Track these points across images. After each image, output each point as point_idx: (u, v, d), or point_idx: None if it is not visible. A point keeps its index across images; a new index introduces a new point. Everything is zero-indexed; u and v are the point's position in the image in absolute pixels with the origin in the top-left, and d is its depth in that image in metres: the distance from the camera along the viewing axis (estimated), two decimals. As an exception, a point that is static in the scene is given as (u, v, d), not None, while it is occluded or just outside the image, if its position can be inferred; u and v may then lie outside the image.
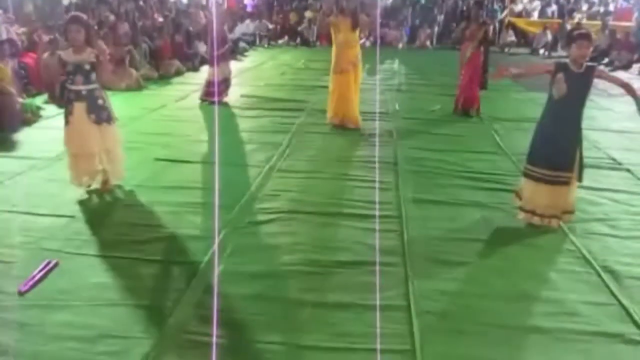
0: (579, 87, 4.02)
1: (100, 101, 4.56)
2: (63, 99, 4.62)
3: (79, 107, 4.48)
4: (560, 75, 4.02)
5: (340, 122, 7.12)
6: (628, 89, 4.07)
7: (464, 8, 19.07)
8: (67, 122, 4.55)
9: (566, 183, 4.15)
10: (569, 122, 4.09)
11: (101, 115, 4.56)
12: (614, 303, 3.31)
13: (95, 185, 4.73)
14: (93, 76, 4.51)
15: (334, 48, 7.02)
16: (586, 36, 4.02)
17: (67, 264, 3.59)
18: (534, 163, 4.22)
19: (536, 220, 4.26)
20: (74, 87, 4.47)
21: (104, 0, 15.13)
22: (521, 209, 4.34)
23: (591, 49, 4.13)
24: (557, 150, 4.11)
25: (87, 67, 4.44)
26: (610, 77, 4.22)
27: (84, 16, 4.72)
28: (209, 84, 8.43)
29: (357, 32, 6.97)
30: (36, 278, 3.36)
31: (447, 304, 3.27)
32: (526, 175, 4.29)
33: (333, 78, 7.09)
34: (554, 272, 3.67)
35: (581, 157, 4.18)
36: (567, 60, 4.07)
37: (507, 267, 3.72)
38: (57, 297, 3.21)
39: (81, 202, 4.55)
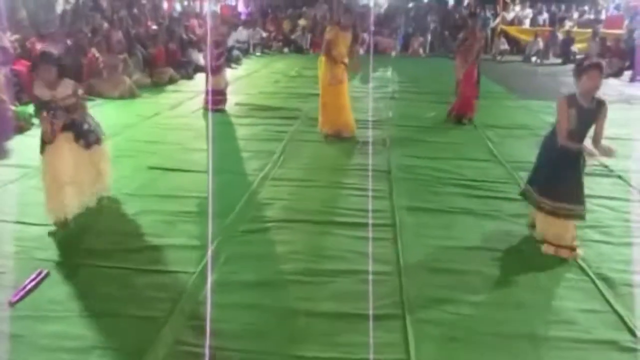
0: (587, 122, 3.87)
1: (85, 126, 4.45)
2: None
3: (66, 137, 4.32)
4: (572, 111, 3.82)
5: (336, 133, 7.02)
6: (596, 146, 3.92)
7: (457, 16, 19.20)
8: (45, 151, 4.29)
9: (580, 217, 3.97)
10: (575, 154, 3.92)
11: (89, 139, 4.46)
12: (608, 310, 3.31)
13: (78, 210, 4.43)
14: (74, 106, 4.34)
15: (325, 60, 6.85)
16: (598, 66, 3.79)
17: (59, 273, 3.56)
18: (545, 195, 4.02)
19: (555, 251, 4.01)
20: (57, 121, 4.26)
21: (98, 8, 15.12)
22: (547, 242, 4.04)
23: (602, 80, 3.84)
24: (566, 183, 3.93)
25: (66, 102, 4.27)
26: (601, 127, 3.91)
27: (53, 52, 4.60)
28: (212, 93, 8.36)
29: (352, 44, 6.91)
30: (27, 288, 3.33)
31: (442, 312, 3.26)
32: (539, 208, 4.08)
33: (329, 90, 6.93)
34: (548, 280, 3.68)
35: None
36: (575, 93, 3.87)
37: (501, 275, 3.72)
38: (48, 308, 3.18)
39: (77, 211, 4.48)
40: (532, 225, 4.27)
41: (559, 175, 3.96)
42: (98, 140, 4.57)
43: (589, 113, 3.84)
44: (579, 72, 3.82)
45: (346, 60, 6.88)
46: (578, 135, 3.90)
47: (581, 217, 4.00)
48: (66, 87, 4.29)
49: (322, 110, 7.14)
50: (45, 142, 4.29)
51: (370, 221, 4.31)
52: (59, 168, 4.27)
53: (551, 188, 4.00)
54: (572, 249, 3.97)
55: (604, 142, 3.93)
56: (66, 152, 4.32)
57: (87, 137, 4.46)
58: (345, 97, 6.99)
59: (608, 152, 3.90)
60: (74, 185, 4.33)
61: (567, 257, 3.93)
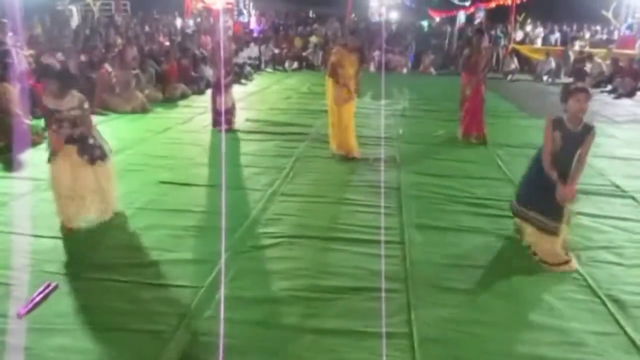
0: (573, 145, 3.91)
1: (91, 141, 4.45)
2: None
3: (70, 150, 4.36)
4: (556, 134, 3.89)
5: (345, 152, 6.95)
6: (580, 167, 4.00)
7: (469, 33, 19.26)
8: (52, 161, 4.38)
9: (554, 233, 4.05)
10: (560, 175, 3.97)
11: (94, 154, 4.45)
12: (619, 333, 3.27)
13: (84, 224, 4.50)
14: (79, 119, 4.36)
15: (332, 80, 6.73)
16: (584, 90, 3.87)
17: (67, 286, 3.58)
18: (526, 206, 4.19)
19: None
20: (62, 130, 4.32)
21: (112, 24, 15.36)
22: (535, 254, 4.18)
23: (589, 102, 3.94)
24: (548, 200, 3.99)
25: (71, 113, 4.31)
26: (586, 152, 3.98)
27: (55, 65, 4.64)
28: (217, 113, 8.39)
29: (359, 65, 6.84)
30: (35, 301, 3.34)
31: (450, 331, 3.23)
32: (520, 217, 4.29)
33: (335, 110, 6.86)
34: (558, 300, 3.63)
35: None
36: (563, 116, 3.93)
37: (511, 295, 3.69)
38: (56, 321, 3.19)
39: (83, 225, 4.52)
40: (517, 231, 4.45)
41: (540, 187, 4.04)
42: (103, 157, 4.53)
43: (575, 137, 3.87)
44: (566, 95, 3.87)
45: (351, 82, 6.72)
46: (563, 158, 3.95)
47: (553, 233, 4.05)
48: (72, 100, 4.34)
49: (331, 129, 7.10)
50: (52, 153, 4.37)
51: (383, 238, 4.30)
52: (59, 180, 4.38)
53: (531, 197, 4.14)
54: (565, 262, 4.06)
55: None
56: (67, 165, 4.37)
57: (91, 152, 4.45)
58: (350, 118, 6.87)
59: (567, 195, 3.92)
60: (74, 198, 4.38)
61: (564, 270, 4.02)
